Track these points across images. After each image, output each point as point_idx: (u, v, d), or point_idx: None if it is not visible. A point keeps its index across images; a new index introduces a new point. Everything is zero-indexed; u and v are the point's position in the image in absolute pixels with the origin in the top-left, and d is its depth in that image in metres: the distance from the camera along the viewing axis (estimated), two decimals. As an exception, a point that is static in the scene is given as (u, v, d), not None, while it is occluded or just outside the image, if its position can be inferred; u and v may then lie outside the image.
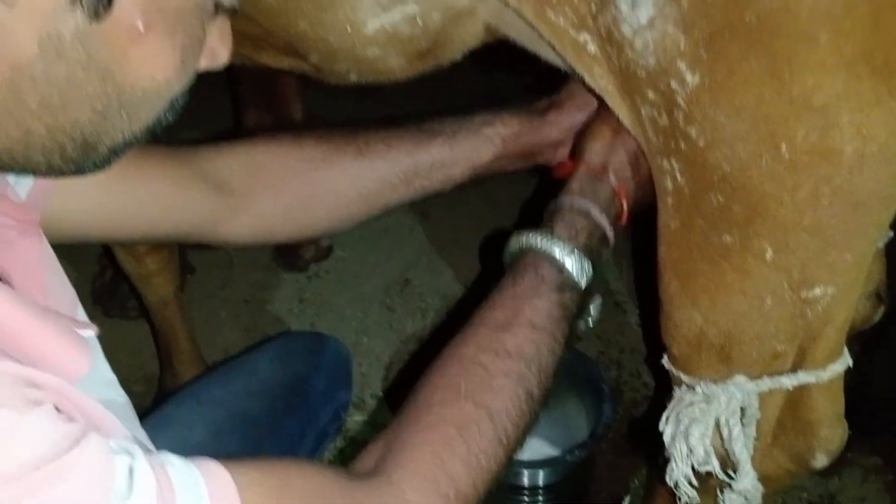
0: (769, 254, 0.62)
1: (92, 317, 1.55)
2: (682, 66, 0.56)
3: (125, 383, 1.56)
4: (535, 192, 1.52)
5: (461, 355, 0.65)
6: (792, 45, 0.52)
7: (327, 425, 1.03)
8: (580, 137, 0.78)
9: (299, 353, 1.03)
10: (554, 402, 1.30)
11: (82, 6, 0.43)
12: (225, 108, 1.70)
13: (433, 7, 0.69)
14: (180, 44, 0.49)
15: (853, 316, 0.78)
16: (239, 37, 0.72)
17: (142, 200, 0.73)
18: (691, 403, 0.72)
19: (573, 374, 1.27)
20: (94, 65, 0.45)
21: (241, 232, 0.80)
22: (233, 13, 0.54)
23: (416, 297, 1.71)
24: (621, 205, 0.75)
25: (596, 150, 0.75)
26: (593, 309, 0.75)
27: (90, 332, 0.55)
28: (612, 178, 0.74)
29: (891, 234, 0.78)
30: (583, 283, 0.70)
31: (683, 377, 0.75)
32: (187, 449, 0.89)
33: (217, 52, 0.54)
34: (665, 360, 0.77)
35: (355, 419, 1.46)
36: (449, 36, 0.74)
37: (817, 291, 0.64)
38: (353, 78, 0.79)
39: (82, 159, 0.50)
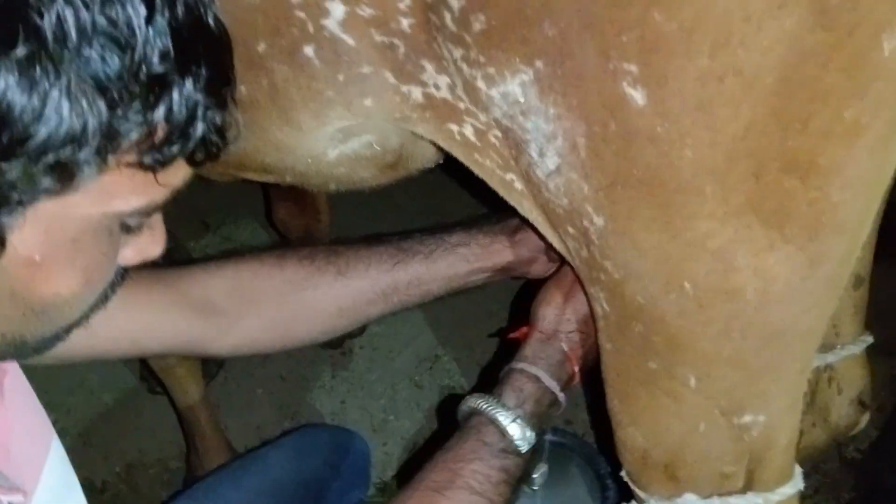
0: (693, 382, 0.63)
1: (137, 393, 1.64)
2: (588, 208, 0.60)
3: (164, 461, 1.64)
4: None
5: None
6: (679, 196, 0.54)
7: None
8: (534, 304, 0.84)
9: (316, 452, 1.07)
10: (567, 486, 1.31)
11: None
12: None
13: (388, 133, 0.74)
14: (81, 265, 0.52)
15: (838, 424, 0.78)
16: (221, 163, 0.80)
17: (127, 326, 0.78)
18: (637, 521, 0.73)
19: (584, 465, 1.27)
20: (2, 290, 0.50)
21: (226, 347, 0.86)
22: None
23: (444, 374, 1.75)
24: (572, 368, 0.79)
25: (548, 316, 0.81)
26: (537, 475, 0.79)
27: (17, 498, 0.59)
28: (562, 343, 0.79)
29: (869, 340, 0.78)
30: (524, 449, 0.73)
31: (638, 492, 0.76)
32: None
33: (147, 249, 0.58)
34: (623, 473, 0.78)
35: (376, 501, 1.49)
36: (410, 153, 0.79)
37: (748, 419, 0.65)
38: (333, 188, 0.85)
39: (17, 352, 0.56)
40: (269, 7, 0.60)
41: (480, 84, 0.59)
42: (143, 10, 0.46)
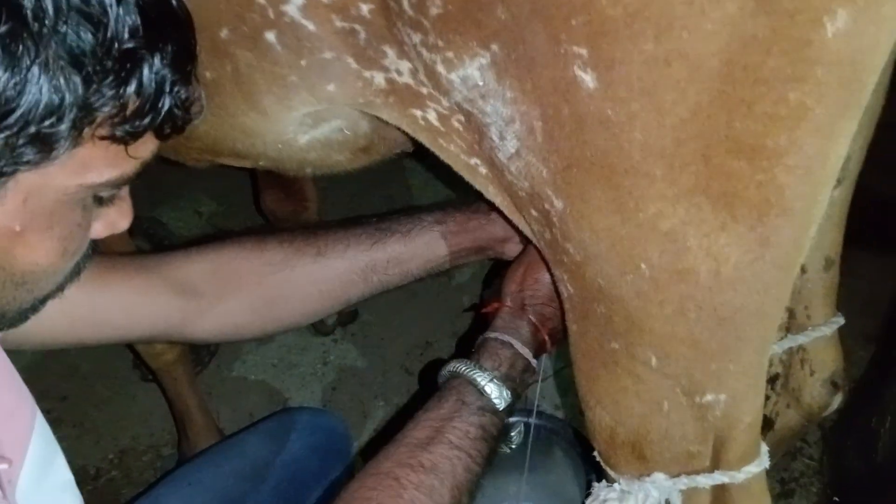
0: (653, 362, 0.64)
1: (129, 381, 1.66)
2: (548, 191, 0.61)
3: (156, 447, 1.66)
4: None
5: (378, 470, 0.70)
6: (630, 179, 0.55)
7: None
8: (502, 282, 0.87)
9: (295, 434, 1.08)
10: (550, 470, 1.32)
11: None
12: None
13: (357, 118, 0.75)
14: (58, 235, 0.56)
15: (811, 405, 0.79)
16: (195, 148, 0.81)
17: (108, 310, 0.80)
18: (605, 501, 0.74)
19: (568, 448, 1.28)
20: None
21: (208, 331, 0.87)
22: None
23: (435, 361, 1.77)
24: (543, 338, 0.83)
25: (515, 293, 0.84)
26: (514, 434, 0.82)
27: (2, 466, 0.61)
28: (530, 315, 0.82)
29: (840, 321, 0.79)
30: (501, 407, 0.77)
31: (610, 472, 0.77)
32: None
33: (116, 223, 0.61)
34: (595, 454, 0.79)
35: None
36: (382, 137, 0.80)
37: (709, 398, 0.66)
38: (310, 171, 0.86)
39: (1, 322, 0.58)
40: (232, -5, 0.61)
41: (440, 68, 0.60)
42: None
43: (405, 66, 0.63)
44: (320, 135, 0.75)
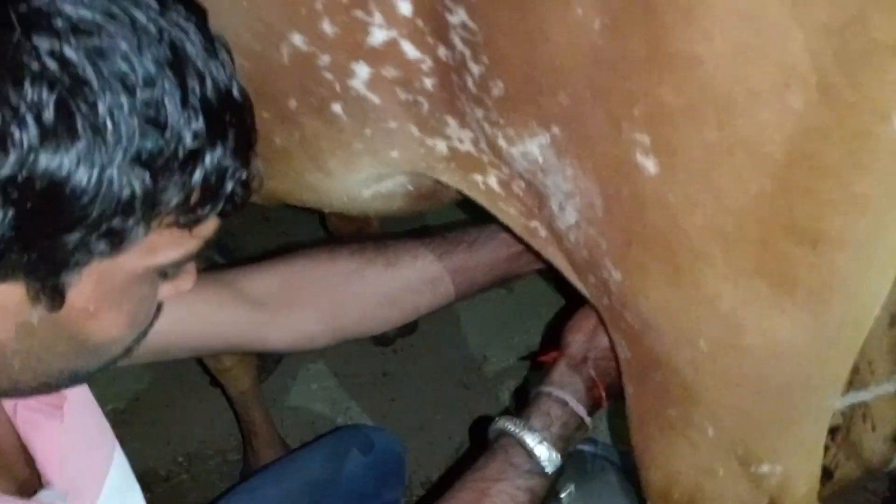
0: (710, 431, 0.65)
1: (201, 385, 1.70)
2: (607, 262, 0.61)
3: (223, 452, 1.71)
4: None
5: None
6: (689, 259, 0.55)
7: None
8: (565, 329, 0.86)
9: (351, 454, 1.11)
10: (603, 497, 1.32)
11: (41, 303, 0.54)
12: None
13: (419, 176, 0.77)
14: (127, 310, 0.58)
15: (871, 460, 0.78)
16: (263, 197, 0.84)
17: (186, 326, 0.82)
18: (657, 556, 0.75)
19: (625, 476, 1.28)
20: (60, 335, 0.57)
21: (282, 340, 0.90)
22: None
23: (491, 375, 1.78)
24: (599, 394, 0.81)
25: (577, 342, 0.83)
26: (565, 496, 0.81)
27: None
28: (590, 369, 0.81)
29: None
30: (549, 470, 0.76)
31: (661, 526, 0.78)
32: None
33: (181, 286, 0.64)
34: (648, 505, 0.80)
35: (420, 498, 1.54)
36: (441, 191, 0.81)
37: (765, 469, 0.66)
38: (373, 214, 0.88)
39: (70, 383, 0.62)
40: (299, 69, 0.63)
41: (501, 142, 0.61)
42: (178, 94, 0.51)
43: (467, 135, 0.64)
44: (384, 189, 0.77)
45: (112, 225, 0.51)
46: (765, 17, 0.46)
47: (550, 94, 0.54)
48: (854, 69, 0.47)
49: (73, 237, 0.51)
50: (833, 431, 0.90)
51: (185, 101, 0.51)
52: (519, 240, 0.71)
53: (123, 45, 0.49)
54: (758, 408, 0.62)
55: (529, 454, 0.76)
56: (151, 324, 0.65)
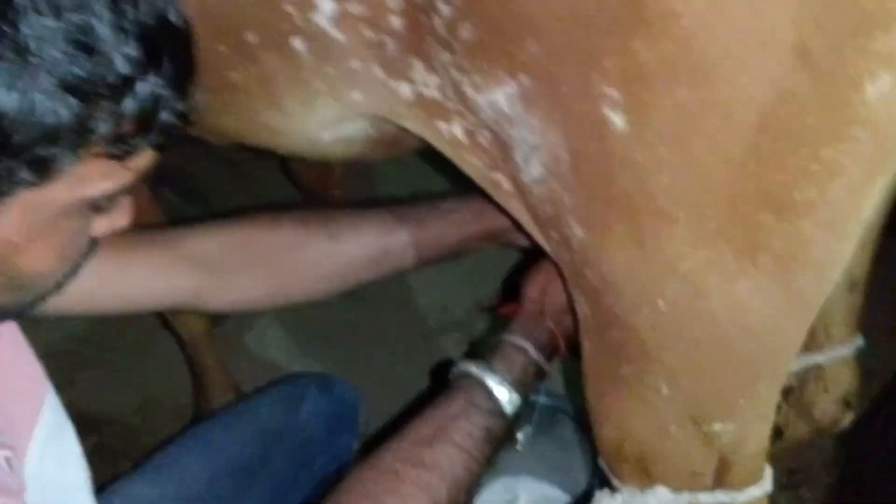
0: (665, 390, 0.65)
1: (155, 330, 1.66)
2: (570, 219, 0.60)
3: (177, 397, 1.69)
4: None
5: (378, 463, 0.71)
6: (653, 220, 0.54)
7: (324, 470, 1.11)
8: (524, 282, 0.87)
9: (302, 401, 1.09)
10: (557, 447, 1.34)
11: None
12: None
13: (382, 121, 0.74)
14: (57, 244, 0.57)
15: (821, 421, 0.79)
16: (219, 135, 0.81)
17: (123, 283, 0.81)
18: (605, 510, 0.76)
19: (580, 428, 1.30)
20: None
21: (221, 304, 0.89)
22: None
23: (453, 325, 1.78)
24: (558, 343, 0.83)
25: (533, 297, 0.85)
26: (521, 436, 0.83)
27: (5, 453, 0.62)
28: (549, 322, 0.83)
29: (858, 342, 0.79)
30: (509, 411, 0.77)
31: (614, 480, 0.78)
32: (183, 491, 0.99)
33: (117, 222, 0.62)
34: (599, 461, 0.80)
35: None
36: (406, 136, 0.79)
37: (717, 427, 0.66)
38: (335, 160, 0.86)
39: (1, 318, 0.61)
40: (260, 0, 0.60)
41: (468, 89, 0.59)
42: (108, 16, 0.49)
43: (433, 80, 0.62)
44: (345, 133, 0.74)
45: (37, 153, 0.50)
46: (746, -27, 0.44)
47: (521, 40, 0.52)
48: (835, 36, 0.46)
49: None
50: (786, 392, 0.92)
51: (117, 26, 0.49)
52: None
53: None
54: (714, 369, 0.61)
55: (489, 395, 0.77)
56: (85, 259, 0.63)
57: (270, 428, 1.06)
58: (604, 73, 0.50)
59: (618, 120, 0.51)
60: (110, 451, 1.56)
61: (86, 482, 0.76)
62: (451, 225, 0.90)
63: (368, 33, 0.60)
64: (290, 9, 0.60)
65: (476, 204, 0.91)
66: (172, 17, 0.53)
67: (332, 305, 1.78)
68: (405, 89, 0.63)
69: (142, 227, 1.12)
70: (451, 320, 1.79)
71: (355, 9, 0.59)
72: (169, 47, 0.53)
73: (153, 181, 1.84)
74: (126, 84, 0.50)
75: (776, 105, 0.48)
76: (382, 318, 1.80)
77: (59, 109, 0.49)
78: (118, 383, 1.68)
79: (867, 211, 0.52)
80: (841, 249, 0.55)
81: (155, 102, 0.52)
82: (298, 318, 1.79)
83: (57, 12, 0.47)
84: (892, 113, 0.48)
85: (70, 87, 0.48)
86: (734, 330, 0.58)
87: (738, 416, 0.65)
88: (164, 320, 1.71)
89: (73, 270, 0.63)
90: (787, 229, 0.52)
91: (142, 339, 1.75)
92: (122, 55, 0.50)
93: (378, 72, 0.63)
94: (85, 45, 0.48)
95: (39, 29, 0.47)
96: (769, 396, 0.65)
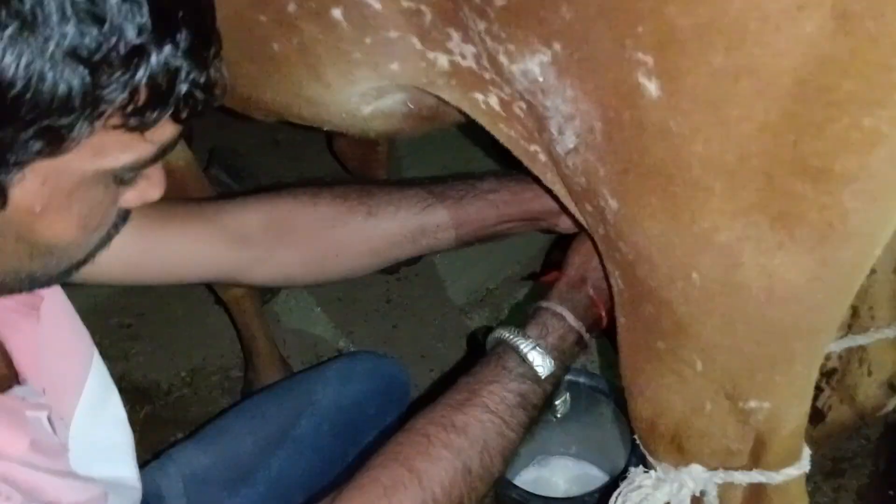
0: (699, 366, 0.64)
1: (205, 303, 1.71)
2: (604, 190, 0.60)
3: (225, 369, 1.74)
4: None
5: (411, 427, 0.72)
6: (688, 191, 0.54)
7: (371, 446, 1.13)
8: (567, 251, 0.85)
9: (357, 379, 1.12)
10: (596, 427, 1.33)
11: None
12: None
13: (421, 93, 0.75)
14: (77, 213, 0.57)
15: (864, 405, 0.78)
16: (262, 110, 0.82)
17: (164, 256, 0.82)
18: (640, 486, 0.75)
19: (617, 410, 1.29)
20: (8, 233, 0.56)
21: (260, 279, 0.91)
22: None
23: (493, 307, 1.78)
24: (599, 313, 0.81)
25: (576, 263, 0.83)
26: (560, 403, 0.82)
27: (41, 413, 0.65)
28: (590, 289, 0.81)
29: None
30: (543, 375, 0.77)
31: (649, 457, 0.78)
32: (235, 460, 1.02)
33: (147, 192, 0.62)
34: (635, 437, 0.80)
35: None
36: (444, 110, 0.79)
37: (752, 404, 0.65)
38: (374, 135, 0.87)
39: (31, 285, 0.62)
40: (299, -29, 0.61)
41: (502, 59, 0.58)
42: None
43: (469, 50, 0.62)
44: (384, 106, 0.75)
45: (49, 122, 0.50)
46: (783, -67, 0.43)
47: (554, 7, 0.52)
48: (875, -3, 0.44)
49: (6, 134, 0.49)
50: (829, 374, 0.90)
51: None
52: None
53: None
54: (749, 345, 0.61)
55: (522, 358, 0.77)
56: (117, 229, 0.64)
57: (322, 404, 1.08)
58: (637, 39, 0.49)
59: (652, 87, 0.51)
60: (161, 420, 1.61)
61: (130, 447, 0.79)
62: (490, 206, 0.90)
63: (406, 2, 0.61)
64: (328, -22, 0.60)
65: (516, 186, 0.90)
66: None
67: (372, 285, 1.83)
68: (442, 60, 0.64)
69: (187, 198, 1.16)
70: (490, 300, 1.79)
71: (392, -22, 0.60)
72: (185, 17, 0.52)
73: (205, 160, 1.90)
74: (138, 54, 0.50)
75: (814, 71, 0.47)
76: (421, 297, 1.82)
77: (69, 80, 0.48)
78: (170, 356, 1.73)
79: (910, 181, 0.51)
80: (882, 222, 0.53)
81: (171, 74, 0.52)
82: (342, 297, 1.82)
83: None
84: (938, 79, 0.47)
85: (79, 58, 0.48)
86: (769, 305, 0.57)
87: (774, 394, 0.64)
88: (215, 296, 1.76)
89: (106, 240, 0.63)
90: (826, 200, 0.51)
91: (193, 314, 1.80)
92: (133, 24, 0.49)
93: (415, 42, 0.63)
94: (94, 14, 0.48)
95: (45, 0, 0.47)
96: (806, 375, 0.64)
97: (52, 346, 0.70)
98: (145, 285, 0.86)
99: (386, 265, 0.94)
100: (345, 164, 1.70)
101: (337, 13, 0.63)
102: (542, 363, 0.77)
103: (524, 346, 0.77)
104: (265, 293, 1.72)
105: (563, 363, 0.79)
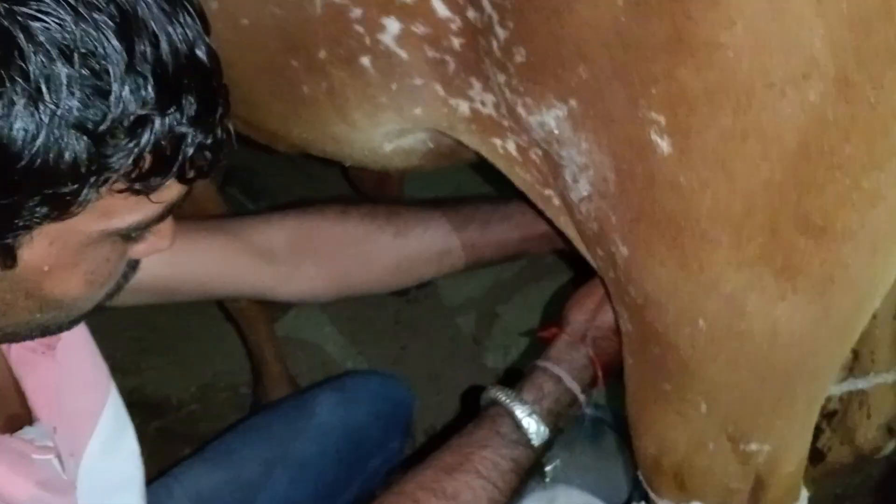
0: (703, 407, 0.66)
1: (218, 319, 1.72)
2: (615, 237, 0.62)
3: (235, 386, 1.75)
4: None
5: (401, 489, 0.73)
6: (696, 241, 0.56)
7: (375, 470, 1.14)
8: (566, 306, 0.86)
9: (362, 399, 1.12)
10: (599, 456, 1.35)
11: None
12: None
13: (440, 134, 0.78)
14: (84, 270, 0.59)
15: (863, 447, 0.80)
16: (287, 145, 0.85)
17: (193, 272, 0.83)
18: (642, 521, 0.77)
19: (622, 438, 1.30)
20: (18, 290, 0.58)
21: (287, 295, 0.91)
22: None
23: (502, 332, 1.80)
24: (596, 373, 0.81)
25: (577, 321, 0.83)
26: (549, 468, 0.82)
27: (48, 455, 0.66)
28: (589, 348, 0.81)
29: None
30: (536, 443, 0.77)
31: (651, 494, 0.80)
32: (239, 479, 1.03)
33: (157, 244, 0.63)
34: (638, 473, 0.82)
35: (423, 447, 1.58)
36: (462, 149, 0.82)
37: (753, 447, 0.67)
38: (393, 170, 0.89)
39: (43, 334, 0.64)
40: (330, 20, 0.64)
41: (520, 110, 0.61)
42: (122, 58, 0.50)
43: (489, 98, 0.65)
44: (406, 144, 0.78)
45: (54, 190, 0.51)
46: (788, 7, 0.46)
47: (571, 66, 0.54)
48: (876, 67, 0.47)
49: (13, 200, 0.51)
50: (830, 416, 0.92)
51: (131, 67, 0.50)
52: (534, 208, 0.72)
53: (60, 11, 0.48)
54: (752, 389, 0.63)
55: (517, 425, 0.76)
56: (126, 279, 0.65)
57: (328, 427, 1.08)
58: (650, 99, 0.52)
59: (663, 144, 0.53)
60: (171, 435, 1.64)
61: (140, 481, 0.80)
62: (514, 227, 0.92)
63: (431, 52, 0.64)
64: (359, 28, 0.63)
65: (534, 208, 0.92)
66: (200, 53, 0.53)
67: (385, 306, 1.85)
68: (463, 106, 0.67)
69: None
70: (500, 325, 1.81)
71: (419, 29, 0.63)
72: (192, 84, 0.53)
73: (220, 179, 1.93)
74: (142, 123, 0.51)
75: (817, 134, 0.49)
76: (431, 319, 1.84)
77: (74, 150, 0.50)
78: (180, 371, 1.75)
79: (909, 239, 0.53)
80: (882, 276, 0.56)
81: (176, 139, 0.53)
82: (353, 316, 1.84)
83: (69, 58, 0.48)
84: (937, 144, 0.49)
85: (84, 129, 0.49)
86: (772, 351, 0.60)
87: (774, 437, 0.66)
88: (226, 312, 1.79)
89: (116, 290, 0.65)
90: (827, 255, 0.54)
91: (207, 329, 1.83)
92: (137, 96, 0.50)
93: (439, 89, 0.66)
94: (98, 88, 0.49)
95: (48, 72, 0.48)
96: (807, 419, 0.66)
97: (68, 383, 0.71)
98: (174, 302, 0.88)
99: (411, 284, 0.96)
100: (359, 186, 1.73)
101: (365, 61, 0.66)
102: (535, 431, 0.76)
103: (519, 411, 0.77)
104: (276, 310, 1.74)
105: (557, 427, 0.79)
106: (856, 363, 0.86)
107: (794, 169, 0.51)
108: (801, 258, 0.54)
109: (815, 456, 0.92)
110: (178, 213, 0.63)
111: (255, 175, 1.98)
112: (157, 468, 1.10)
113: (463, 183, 2.03)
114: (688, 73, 0.50)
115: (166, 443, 1.61)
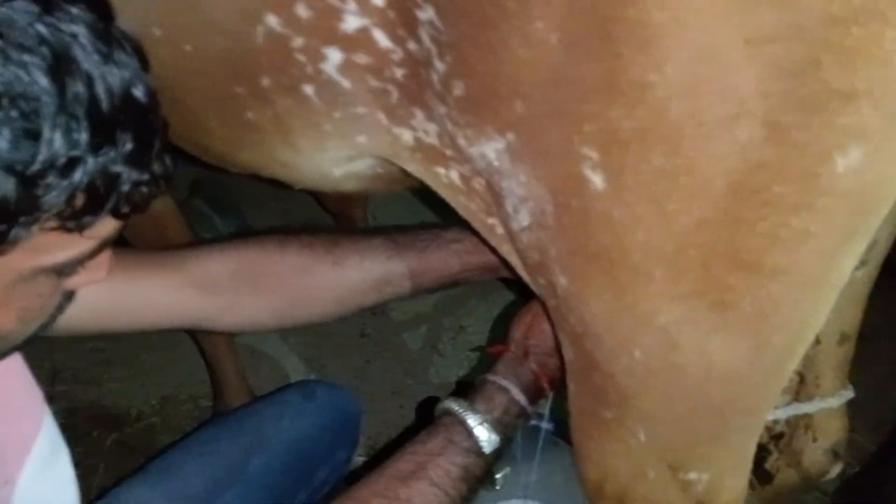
0: (642, 436, 0.67)
1: (180, 332, 1.71)
2: (554, 267, 0.63)
3: (196, 399, 1.73)
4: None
5: (356, 497, 0.73)
6: (630, 275, 0.57)
7: (322, 482, 1.14)
8: (511, 324, 0.89)
9: (308, 413, 1.11)
10: (556, 471, 1.35)
11: None
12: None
13: (387, 161, 0.78)
14: (16, 307, 0.58)
15: (809, 470, 0.81)
16: (238, 169, 0.85)
17: (132, 304, 0.83)
18: (585, 548, 0.78)
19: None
20: None
21: (228, 326, 0.92)
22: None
23: (466, 345, 1.81)
24: (542, 385, 0.84)
25: (518, 338, 0.86)
26: (500, 476, 0.84)
27: None
28: (532, 363, 0.84)
29: (849, 395, 0.80)
30: (487, 450, 0.78)
31: (596, 517, 0.80)
32: (183, 497, 1.02)
33: (91, 276, 0.62)
34: (584, 499, 0.82)
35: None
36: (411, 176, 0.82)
37: (692, 476, 0.68)
38: (349, 192, 0.89)
39: None
40: (272, 49, 0.64)
41: (461, 141, 0.62)
42: (54, 101, 0.49)
43: (432, 128, 0.65)
44: (355, 169, 0.78)
45: None
46: (718, 52, 0.47)
47: (508, 101, 0.55)
48: (804, 110, 0.48)
49: None
50: (777, 438, 0.93)
51: (62, 109, 0.49)
52: (478, 236, 0.73)
53: None
54: (689, 420, 0.63)
55: (469, 433, 0.78)
56: (60, 310, 0.65)
57: (274, 441, 1.07)
58: (584, 136, 0.53)
59: (597, 179, 0.54)
60: (128, 448, 1.62)
61: None
62: (453, 255, 0.92)
63: (373, 82, 0.64)
64: (301, 58, 0.63)
65: (477, 236, 0.93)
66: (136, 92, 0.53)
67: (349, 320, 1.84)
68: (407, 135, 0.67)
69: (165, 237, 1.16)
70: (464, 338, 1.82)
71: (361, 59, 0.63)
72: (127, 124, 0.52)
73: (187, 191, 1.91)
74: (75, 164, 0.50)
75: (746, 174, 0.50)
76: (396, 333, 1.84)
77: (3, 191, 0.49)
78: (141, 383, 1.74)
79: (842, 274, 0.54)
80: (813, 311, 0.56)
81: (109, 178, 0.52)
82: (317, 329, 1.84)
83: None
84: (863, 184, 0.50)
85: (12, 171, 0.48)
86: (706, 383, 0.60)
87: (712, 466, 0.67)
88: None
89: (49, 322, 0.64)
90: (758, 291, 0.54)
91: (167, 342, 1.81)
92: (69, 138, 0.49)
93: (382, 118, 0.66)
94: (27, 130, 0.48)
95: None
96: (743, 449, 0.67)
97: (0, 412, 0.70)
98: (112, 333, 0.87)
99: (351, 312, 0.96)
100: (324, 205, 1.73)
101: (308, 89, 0.66)
102: (487, 439, 0.78)
103: (472, 420, 0.79)
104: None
105: (507, 436, 0.82)
106: (801, 387, 0.87)
107: (724, 207, 0.52)
108: (733, 294, 0.55)
109: (764, 477, 0.93)
110: (135, 228, 0.62)
111: (221, 186, 1.97)
112: (114, 481, 1.09)
113: (426, 198, 2.04)
114: (619, 113, 0.50)
115: (124, 456, 1.59)
